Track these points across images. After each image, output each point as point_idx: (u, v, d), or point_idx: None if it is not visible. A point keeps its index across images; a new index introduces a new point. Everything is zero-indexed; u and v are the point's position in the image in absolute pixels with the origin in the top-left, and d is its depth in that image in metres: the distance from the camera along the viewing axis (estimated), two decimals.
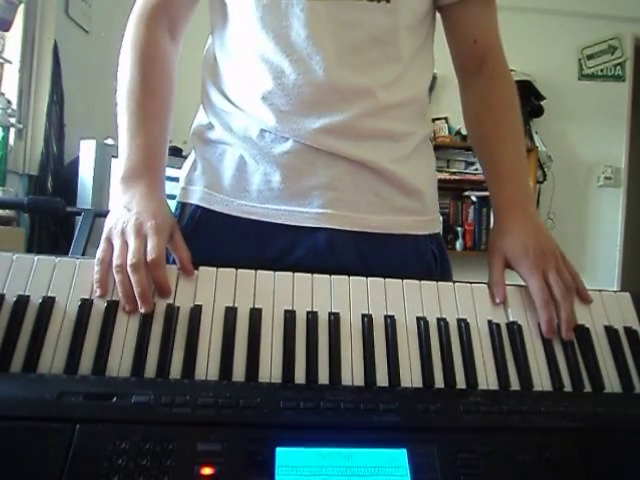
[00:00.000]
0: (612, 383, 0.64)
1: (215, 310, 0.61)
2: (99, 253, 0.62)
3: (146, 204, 0.67)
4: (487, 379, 0.61)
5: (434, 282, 0.68)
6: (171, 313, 0.59)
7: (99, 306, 0.59)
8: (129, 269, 0.60)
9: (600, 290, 0.71)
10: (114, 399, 0.50)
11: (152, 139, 0.73)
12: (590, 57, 3.67)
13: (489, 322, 0.66)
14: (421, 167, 0.81)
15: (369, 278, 0.66)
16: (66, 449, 0.46)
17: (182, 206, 0.80)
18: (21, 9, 2.24)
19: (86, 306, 0.58)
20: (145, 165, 0.71)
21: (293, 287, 0.64)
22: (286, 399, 0.52)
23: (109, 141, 2.28)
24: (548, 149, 3.48)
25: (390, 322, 0.62)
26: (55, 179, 2.37)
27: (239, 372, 0.57)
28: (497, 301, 0.68)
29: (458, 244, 3.48)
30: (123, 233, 0.64)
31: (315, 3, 0.71)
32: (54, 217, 2.26)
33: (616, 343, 0.67)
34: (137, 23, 0.78)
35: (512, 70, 0.86)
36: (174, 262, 0.66)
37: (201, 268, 0.64)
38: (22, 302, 0.57)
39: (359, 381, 0.58)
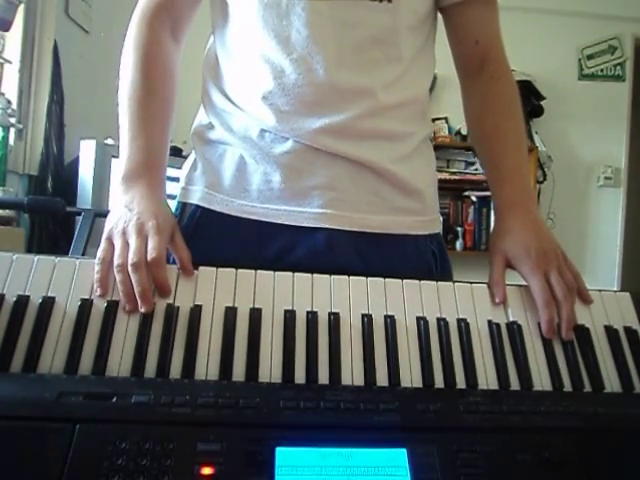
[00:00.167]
0: (612, 383, 0.64)
1: (215, 310, 0.61)
2: (100, 252, 0.62)
3: (147, 204, 0.67)
4: (487, 379, 0.61)
5: (434, 282, 0.68)
6: (171, 313, 0.59)
7: (99, 306, 0.59)
8: (130, 268, 0.60)
9: (600, 290, 0.71)
10: (114, 399, 0.50)
11: (153, 139, 0.74)
12: (590, 57, 3.68)
13: (489, 322, 0.66)
14: (421, 167, 0.81)
15: (369, 278, 0.66)
16: (66, 449, 0.46)
17: (182, 206, 0.80)
18: (21, 9, 2.24)
19: (86, 306, 0.58)
20: (146, 165, 0.71)
21: (293, 287, 0.64)
22: (286, 399, 0.52)
23: (109, 141, 2.28)
24: (548, 149, 3.48)
25: (390, 322, 0.62)
26: (55, 179, 2.37)
27: (239, 372, 0.57)
28: (497, 301, 0.68)
29: (458, 244, 3.48)
30: (124, 233, 0.64)
31: (316, 2, 0.71)
32: (54, 217, 2.26)
33: (616, 343, 0.67)
34: (139, 23, 0.78)
35: (512, 70, 0.86)
36: (174, 262, 0.66)
37: (201, 268, 0.64)
38: (22, 302, 0.57)
39: (359, 381, 0.58)
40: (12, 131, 2.21)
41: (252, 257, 0.72)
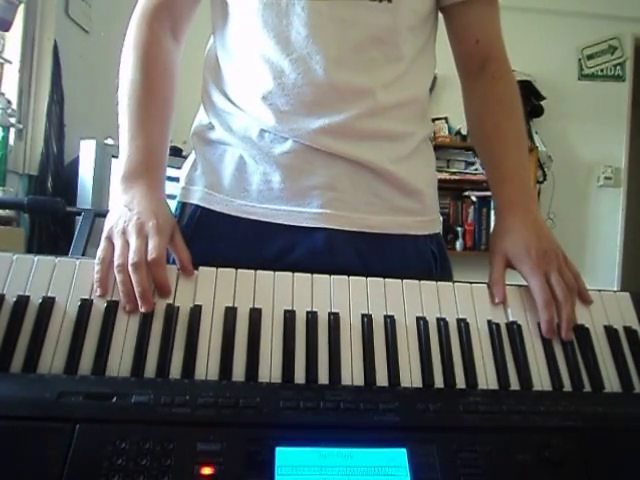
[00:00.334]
0: (612, 383, 0.64)
1: (215, 310, 0.61)
2: (100, 252, 0.62)
3: (147, 204, 0.67)
4: (487, 379, 0.61)
5: (434, 282, 0.68)
6: (171, 313, 0.59)
7: (99, 306, 0.59)
8: (130, 268, 0.60)
9: (600, 290, 0.71)
10: (114, 399, 0.50)
11: (153, 139, 0.73)
12: (590, 57, 3.68)
13: (489, 322, 0.66)
14: (421, 167, 0.81)
15: (369, 278, 0.66)
16: (66, 449, 0.46)
17: (182, 206, 0.80)
18: (21, 9, 2.23)
19: (86, 306, 0.58)
20: (145, 165, 0.71)
21: (293, 287, 0.64)
22: (286, 399, 0.52)
23: (109, 141, 2.28)
24: (548, 149, 3.49)
25: (390, 322, 0.62)
26: (55, 179, 2.37)
27: (239, 372, 0.57)
28: (496, 301, 0.68)
29: (458, 244, 3.49)
30: (124, 232, 0.64)
31: (316, 2, 0.71)
32: (54, 217, 2.26)
33: (616, 343, 0.67)
34: (139, 22, 0.78)
35: (512, 70, 0.86)
36: (174, 262, 0.66)
37: (201, 268, 0.64)
38: (22, 302, 0.57)
39: (359, 381, 0.58)
40: (12, 131, 2.21)
41: (252, 257, 0.72)
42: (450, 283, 0.69)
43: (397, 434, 0.51)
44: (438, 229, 0.84)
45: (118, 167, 0.72)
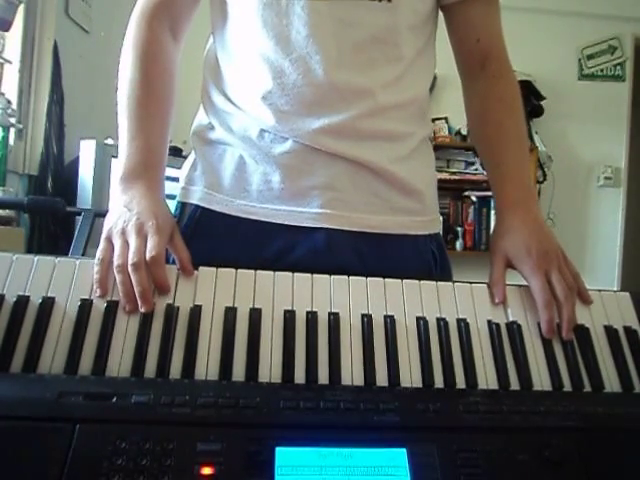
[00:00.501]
0: (612, 383, 0.64)
1: (215, 310, 0.61)
2: (99, 253, 0.62)
3: (146, 204, 0.67)
4: (487, 379, 0.61)
5: (434, 282, 0.68)
6: (171, 313, 0.59)
7: (99, 306, 0.59)
8: (130, 268, 0.60)
9: (600, 290, 0.71)
10: (114, 399, 0.50)
11: (152, 139, 0.73)
12: (590, 57, 3.68)
13: (489, 322, 0.66)
14: (421, 167, 0.81)
15: (369, 278, 0.66)
16: (66, 449, 0.46)
17: (182, 206, 0.80)
18: (21, 9, 2.23)
19: (86, 306, 0.58)
20: (145, 165, 0.71)
21: (293, 287, 0.64)
22: (286, 399, 0.52)
23: (109, 141, 2.28)
24: (548, 149, 3.48)
25: (390, 322, 0.62)
26: (55, 179, 2.37)
27: (239, 372, 0.57)
28: (497, 301, 0.68)
29: (458, 244, 3.48)
30: (124, 232, 0.64)
31: (316, 2, 0.71)
32: (54, 217, 2.26)
33: (616, 343, 0.67)
34: (139, 22, 0.78)
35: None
36: (174, 262, 0.66)
37: (201, 268, 0.64)
38: (22, 302, 0.57)
39: (359, 381, 0.58)
40: (12, 131, 2.21)
41: (252, 257, 0.72)
42: (450, 283, 0.69)
43: (397, 434, 0.51)
44: (438, 229, 0.84)
45: (117, 167, 0.72)
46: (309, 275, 0.65)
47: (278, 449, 0.48)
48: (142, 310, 0.59)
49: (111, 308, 0.59)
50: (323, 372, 0.58)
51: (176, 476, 0.45)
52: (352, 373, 0.59)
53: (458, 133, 3.51)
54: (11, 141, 2.21)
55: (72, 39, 2.60)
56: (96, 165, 2.23)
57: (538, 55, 3.47)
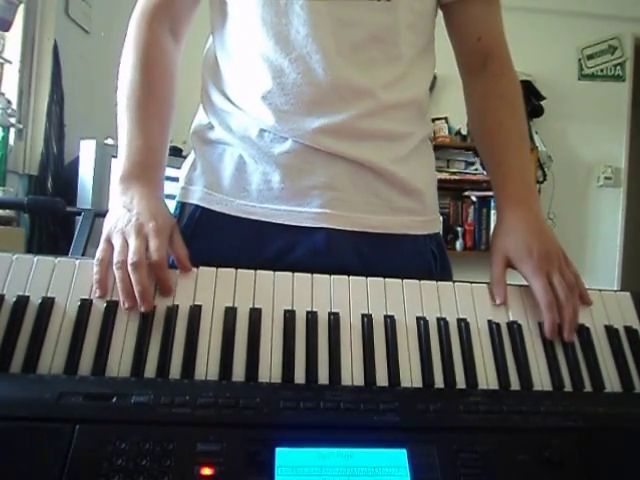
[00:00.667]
0: (612, 383, 0.64)
1: (215, 310, 0.61)
2: (99, 253, 0.62)
3: (146, 205, 0.67)
4: (487, 379, 0.61)
5: (434, 282, 0.68)
6: (171, 313, 0.59)
7: (99, 306, 0.59)
8: (130, 268, 0.60)
9: (600, 290, 0.71)
10: (114, 399, 0.50)
11: (152, 140, 0.73)
12: (590, 57, 3.68)
13: (489, 322, 0.66)
14: (421, 167, 0.81)
15: (369, 278, 0.66)
16: (66, 449, 0.46)
17: (182, 206, 0.80)
18: (21, 9, 2.24)
19: (86, 306, 0.58)
20: (144, 166, 0.71)
21: (293, 287, 0.64)
22: (286, 399, 0.52)
23: (109, 141, 2.28)
24: (548, 149, 3.48)
25: (390, 322, 0.62)
26: (55, 179, 2.37)
27: (239, 372, 0.57)
28: (498, 301, 0.67)
29: (458, 244, 3.48)
30: (123, 233, 0.63)
31: (315, 1, 0.71)
32: (54, 217, 2.26)
33: (616, 343, 0.67)
34: (139, 23, 0.78)
35: None
36: (174, 265, 0.66)
37: (201, 268, 0.64)
38: (22, 302, 0.57)
39: (359, 381, 0.58)
40: (12, 131, 2.21)
41: (252, 257, 0.72)
42: (450, 283, 0.69)
43: (397, 434, 0.51)
44: (438, 229, 0.84)
45: (117, 168, 0.72)
46: (309, 275, 0.65)
47: (278, 449, 0.48)
48: (142, 309, 0.59)
49: (111, 308, 0.59)
50: (323, 372, 0.58)
51: (176, 476, 0.45)
52: (352, 373, 0.59)
53: (458, 133, 3.51)
54: (11, 141, 2.21)
55: (72, 39, 2.60)
56: (96, 165, 2.23)
57: (538, 55, 3.47)
